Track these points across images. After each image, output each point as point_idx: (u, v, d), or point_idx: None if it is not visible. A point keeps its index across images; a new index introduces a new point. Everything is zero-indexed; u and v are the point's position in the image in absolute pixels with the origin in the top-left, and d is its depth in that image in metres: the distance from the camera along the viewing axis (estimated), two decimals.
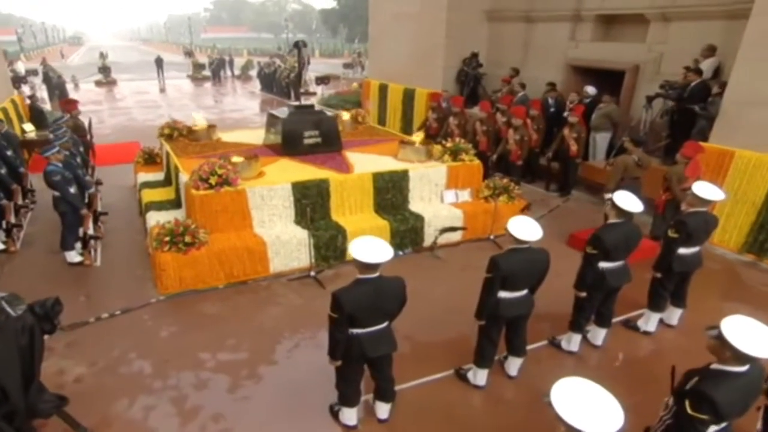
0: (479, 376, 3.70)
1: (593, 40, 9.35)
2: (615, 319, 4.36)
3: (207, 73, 25.63)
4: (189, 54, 30.81)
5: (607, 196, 5.91)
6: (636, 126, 7.88)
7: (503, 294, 3.39)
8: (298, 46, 6.70)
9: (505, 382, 3.84)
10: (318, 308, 4.53)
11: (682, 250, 4.10)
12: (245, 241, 5.27)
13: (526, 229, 3.25)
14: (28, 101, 9.76)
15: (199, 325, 4.57)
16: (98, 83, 22.44)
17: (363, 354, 2.96)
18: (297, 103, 7.03)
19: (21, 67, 17.67)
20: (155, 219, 5.65)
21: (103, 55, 22.96)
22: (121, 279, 5.32)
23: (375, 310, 2.89)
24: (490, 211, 6.43)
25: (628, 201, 3.64)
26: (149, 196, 6.54)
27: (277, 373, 3.95)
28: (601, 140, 8.31)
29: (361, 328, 2.93)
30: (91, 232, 5.53)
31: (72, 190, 5.23)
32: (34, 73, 17.50)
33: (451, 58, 11.09)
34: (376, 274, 2.87)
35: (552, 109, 8.93)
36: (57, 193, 5.13)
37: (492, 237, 6.40)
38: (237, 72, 26.52)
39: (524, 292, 3.46)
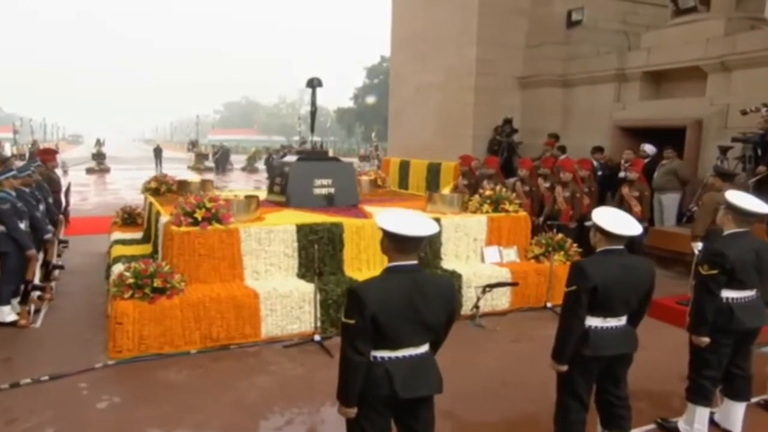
0: None
1: (642, 98, 9.36)
2: (754, 399, 3.42)
3: (210, 163, 26.70)
4: (193, 145, 32.53)
5: (697, 246, 5.30)
6: None
7: (593, 321, 2.62)
8: (313, 84, 6.68)
9: None
10: (324, 379, 3.71)
11: None
12: (231, 291, 4.60)
13: (618, 220, 2.60)
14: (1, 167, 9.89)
15: (153, 395, 3.73)
16: (89, 170, 23.07)
17: (392, 394, 2.14)
18: (308, 144, 6.80)
19: (8, 149, 18.53)
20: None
21: (99, 142, 24.13)
22: (63, 342, 4.57)
23: (412, 316, 2.14)
24: (544, 272, 5.72)
25: (749, 200, 3.00)
26: (120, 251, 6.03)
27: None
28: (668, 202, 7.80)
29: (390, 350, 2.16)
30: (36, 282, 4.94)
31: (22, 226, 4.77)
32: (21, 157, 18.31)
33: (480, 127, 11.14)
34: (415, 262, 2.20)
35: (599, 173, 8.64)
36: (2, 228, 4.66)
37: (549, 305, 5.60)
38: (242, 164, 27.58)
39: (623, 320, 2.69)
